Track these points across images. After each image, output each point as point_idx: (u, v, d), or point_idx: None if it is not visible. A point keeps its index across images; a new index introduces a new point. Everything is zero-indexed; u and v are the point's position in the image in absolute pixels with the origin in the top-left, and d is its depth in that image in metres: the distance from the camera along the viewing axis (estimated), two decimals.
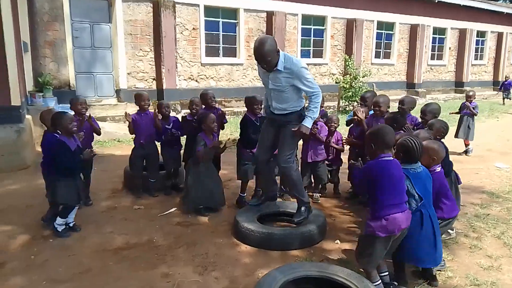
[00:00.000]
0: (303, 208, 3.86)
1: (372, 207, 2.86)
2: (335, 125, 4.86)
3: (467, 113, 7.55)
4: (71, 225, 3.93)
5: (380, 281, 2.90)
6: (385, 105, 4.54)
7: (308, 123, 3.64)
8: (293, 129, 3.66)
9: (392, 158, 2.86)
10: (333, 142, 4.83)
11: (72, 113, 4.30)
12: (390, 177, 2.76)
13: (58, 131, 3.78)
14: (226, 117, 5.09)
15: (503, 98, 15.70)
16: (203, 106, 4.91)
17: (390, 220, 2.73)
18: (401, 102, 4.67)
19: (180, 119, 5.09)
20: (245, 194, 4.66)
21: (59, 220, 3.82)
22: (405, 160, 2.93)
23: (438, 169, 3.21)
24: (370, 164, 2.89)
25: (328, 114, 5.21)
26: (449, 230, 3.79)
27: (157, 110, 4.88)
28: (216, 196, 4.43)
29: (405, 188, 2.85)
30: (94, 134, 4.71)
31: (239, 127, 4.67)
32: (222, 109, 4.97)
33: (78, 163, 3.83)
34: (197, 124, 4.48)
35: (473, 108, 7.48)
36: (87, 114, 4.54)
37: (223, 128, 4.97)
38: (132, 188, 5.02)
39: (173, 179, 5.15)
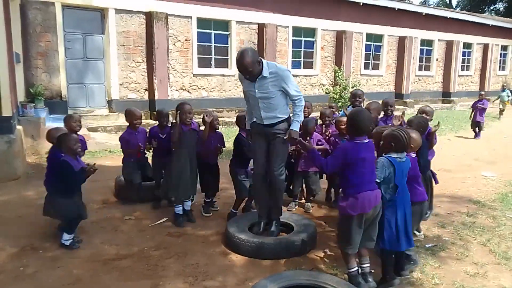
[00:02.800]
0: (276, 222, 3.98)
1: (343, 187, 3.09)
2: (329, 119, 5.00)
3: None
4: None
5: (355, 268, 3.07)
6: (376, 111, 4.65)
7: (296, 127, 3.71)
8: (284, 137, 3.72)
9: (367, 141, 3.03)
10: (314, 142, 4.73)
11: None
12: (363, 159, 2.95)
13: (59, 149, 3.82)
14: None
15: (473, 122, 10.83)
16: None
17: (360, 198, 2.91)
18: (367, 109, 4.71)
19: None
20: (237, 211, 4.61)
21: (65, 236, 3.80)
22: (393, 149, 3.08)
23: (413, 155, 3.35)
24: (347, 145, 3.07)
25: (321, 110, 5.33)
26: (415, 232, 3.87)
27: (156, 118, 4.95)
28: (191, 187, 4.43)
29: (374, 168, 3.02)
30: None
31: (232, 143, 4.66)
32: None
33: (80, 183, 3.87)
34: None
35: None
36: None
37: (221, 152, 4.80)
38: (125, 198, 5.01)
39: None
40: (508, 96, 14.59)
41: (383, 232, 3.08)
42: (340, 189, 3.24)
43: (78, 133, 4.41)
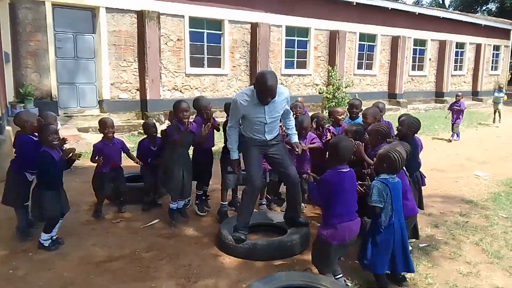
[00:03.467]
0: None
1: (325, 216, 3.06)
2: (323, 121, 5.08)
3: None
4: (54, 238, 3.86)
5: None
6: (372, 116, 4.55)
7: (296, 138, 4.01)
8: (296, 150, 3.93)
9: (347, 170, 3.01)
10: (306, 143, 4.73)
11: None
12: (344, 189, 2.96)
13: (31, 132, 3.88)
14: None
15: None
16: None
17: (341, 228, 2.93)
18: (364, 115, 4.62)
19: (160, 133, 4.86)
20: (226, 203, 4.61)
21: (44, 236, 3.76)
22: (387, 171, 3.05)
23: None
24: (328, 175, 3.04)
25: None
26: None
27: (143, 130, 4.83)
28: (188, 189, 4.42)
29: (356, 198, 3.04)
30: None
31: (223, 132, 4.63)
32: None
33: (60, 172, 3.83)
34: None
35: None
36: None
37: (218, 130, 4.73)
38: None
39: (152, 195, 4.95)
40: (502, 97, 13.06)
41: (379, 255, 3.03)
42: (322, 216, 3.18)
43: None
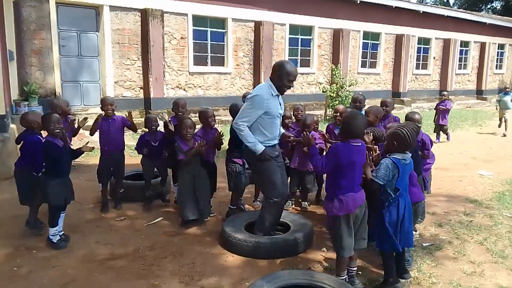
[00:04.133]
0: None
1: (329, 189, 3.05)
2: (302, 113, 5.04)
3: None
4: (61, 234, 3.89)
5: (344, 277, 3.06)
6: (374, 115, 4.55)
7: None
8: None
9: (359, 144, 2.98)
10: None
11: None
12: (354, 162, 2.93)
13: (39, 132, 3.92)
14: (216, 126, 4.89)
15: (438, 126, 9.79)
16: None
17: (345, 199, 2.91)
18: (366, 113, 4.64)
19: (163, 130, 4.90)
20: (235, 207, 4.60)
21: (51, 231, 3.79)
22: (397, 149, 3.00)
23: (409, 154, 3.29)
24: (338, 146, 3.02)
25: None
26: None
27: (144, 124, 4.83)
28: (202, 206, 4.32)
29: (362, 172, 3.00)
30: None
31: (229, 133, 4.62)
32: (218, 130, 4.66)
33: (66, 159, 3.87)
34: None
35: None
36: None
37: (219, 149, 4.72)
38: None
39: (160, 188, 5.03)
40: None
41: (382, 234, 3.03)
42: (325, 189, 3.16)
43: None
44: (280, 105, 3.75)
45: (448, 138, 9.78)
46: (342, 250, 2.99)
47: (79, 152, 4.03)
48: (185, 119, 4.27)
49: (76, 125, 4.73)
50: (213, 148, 4.56)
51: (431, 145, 4.41)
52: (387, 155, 3.04)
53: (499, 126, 11.18)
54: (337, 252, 3.07)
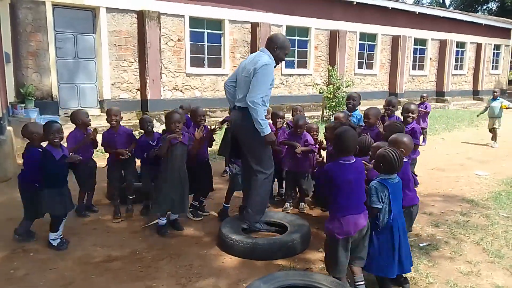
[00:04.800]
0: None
1: (330, 209, 3.01)
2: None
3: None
4: (61, 237, 3.88)
5: None
6: (375, 117, 4.61)
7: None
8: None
9: (353, 161, 2.94)
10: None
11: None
12: (348, 180, 2.87)
13: (40, 145, 3.85)
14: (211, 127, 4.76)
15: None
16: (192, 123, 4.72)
17: (345, 221, 2.84)
18: (366, 115, 4.70)
19: (161, 132, 4.79)
20: (229, 205, 4.60)
21: (52, 235, 3.77)
22: (384, 171, 3.00)
23: (405, 159, 3.28)
24: (328, 167, 3.00)
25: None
26: None
27: (139, 126, 4.74)
28: (183, 202, 4.17)
29: (363, 190, 2.95)
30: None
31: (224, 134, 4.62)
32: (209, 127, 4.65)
33: (62, 171, 3.82)
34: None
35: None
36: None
37: (210, 146, 4.74)
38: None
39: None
40: (503, 107, 9.34)
41: (376, 258, 2.99)
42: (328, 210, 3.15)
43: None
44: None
45: (423, 141, 8.88)
46: (335, 272, 2.95)
47: (73, 164, 4.01)
48: (173, 113, 4.09)
49: (92, 136, 4.55)
50: (204, 144, 4.51)
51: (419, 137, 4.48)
52: (374, 178, 3.04)
53: (492, 138, 9.47)
54: (328, 271, 3.05)
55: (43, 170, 3.71)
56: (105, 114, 9.87)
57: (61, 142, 3.85)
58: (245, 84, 3.79)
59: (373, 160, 3.16)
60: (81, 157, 4.00)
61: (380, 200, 2.92)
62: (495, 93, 9.53)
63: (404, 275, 3.18)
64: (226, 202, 4.59)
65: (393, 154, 2.95)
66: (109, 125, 4.71)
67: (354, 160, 2.96)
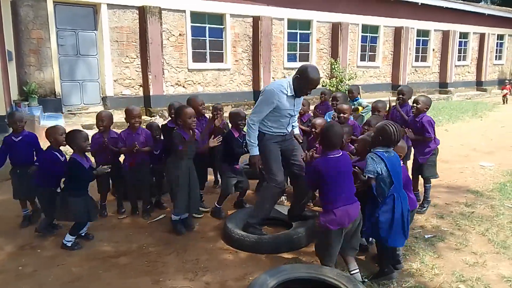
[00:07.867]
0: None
1: (322, 202, 3.07)
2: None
3: None
4: (82, 234, 3.91)
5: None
6: (384, 109, 4.71)
7: (298, 130, 4.18)
8: (300, 140, 4.06)
9: (339, 154, 3.01)
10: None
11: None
12: (338, 173, 2.95)
13: (59, 149, 3.90)
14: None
15: None
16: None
17: (338, 213, 2.91)
18: (375, 108, 4.79)
19: (161, 132, 4.76)
20: (221, 206, 4.56)
21: (68, 237, 3.75)
22: (382, 144, 3.07)
23: (402, 163, 3.30)
24: (317, 162, 3.07)
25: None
26: None
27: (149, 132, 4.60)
28: (195, 202, 4.16)
29: (352, 181, 3.03)
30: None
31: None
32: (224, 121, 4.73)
33: (90, 180, 3.86)
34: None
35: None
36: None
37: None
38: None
39: (157, 196, 4.84)
40: None
41: (380, 229, 3.02)
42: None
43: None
44: (294, 106, 3.74)
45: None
46: (326, 260, 3.01)
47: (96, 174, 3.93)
48: (187, 107, 4.03)
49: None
50: (207, 137, 4.44)
51: (433, 128, 4.45)
52: (371, 150, 3.11)
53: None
54: (320, 260, 3.12)
55: (70, 179, 3.72)
56: (107, 110, 9.96)
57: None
58: None
59: (357, 152, 3.34)
60: (109, 169, 3.90)
61: (376, 172, 2.98)
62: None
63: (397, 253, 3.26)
64: (218, 203, 4.55)
65: (393, 127, 3.04)
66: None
67: (341, 153, 3.05)
